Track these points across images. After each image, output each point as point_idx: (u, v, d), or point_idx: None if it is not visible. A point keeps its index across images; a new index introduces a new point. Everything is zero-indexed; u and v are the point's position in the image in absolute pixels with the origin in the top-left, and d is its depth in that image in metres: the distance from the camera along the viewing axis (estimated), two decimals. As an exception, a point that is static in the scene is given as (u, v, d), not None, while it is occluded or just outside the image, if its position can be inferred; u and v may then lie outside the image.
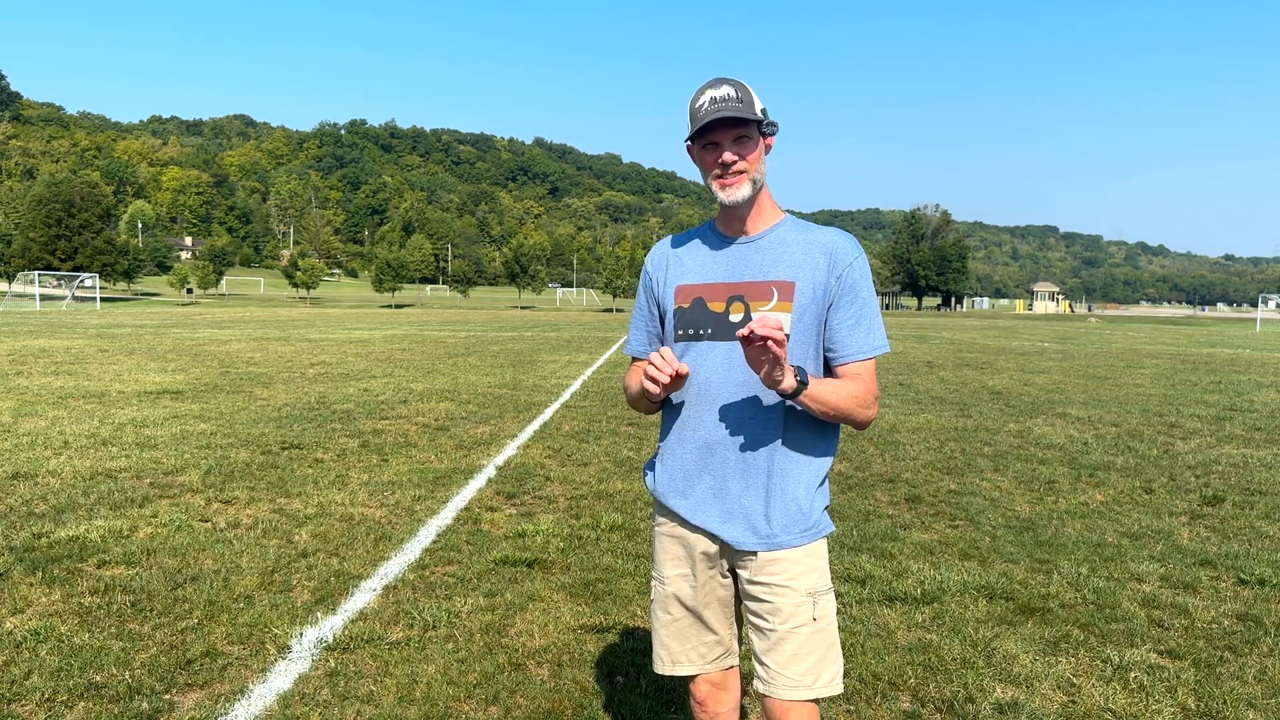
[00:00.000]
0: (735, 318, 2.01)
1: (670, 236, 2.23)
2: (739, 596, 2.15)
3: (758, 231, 2.06)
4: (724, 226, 2.10)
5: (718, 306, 2.04)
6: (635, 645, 3.60)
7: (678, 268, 2.13)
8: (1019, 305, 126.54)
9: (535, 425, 9.08)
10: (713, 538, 2.07)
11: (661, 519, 2.18)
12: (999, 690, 3.24)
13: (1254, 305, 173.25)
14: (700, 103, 1.97)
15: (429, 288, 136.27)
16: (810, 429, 2.03)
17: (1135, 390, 13.72)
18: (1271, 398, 13.04)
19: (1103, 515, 5.81)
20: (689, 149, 2.06)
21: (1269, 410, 11.50)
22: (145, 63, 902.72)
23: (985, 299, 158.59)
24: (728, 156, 1.96)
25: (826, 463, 2.07)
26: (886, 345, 2.06)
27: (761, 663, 2.03)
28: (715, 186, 2.00)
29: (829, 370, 2.07)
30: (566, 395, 11.70)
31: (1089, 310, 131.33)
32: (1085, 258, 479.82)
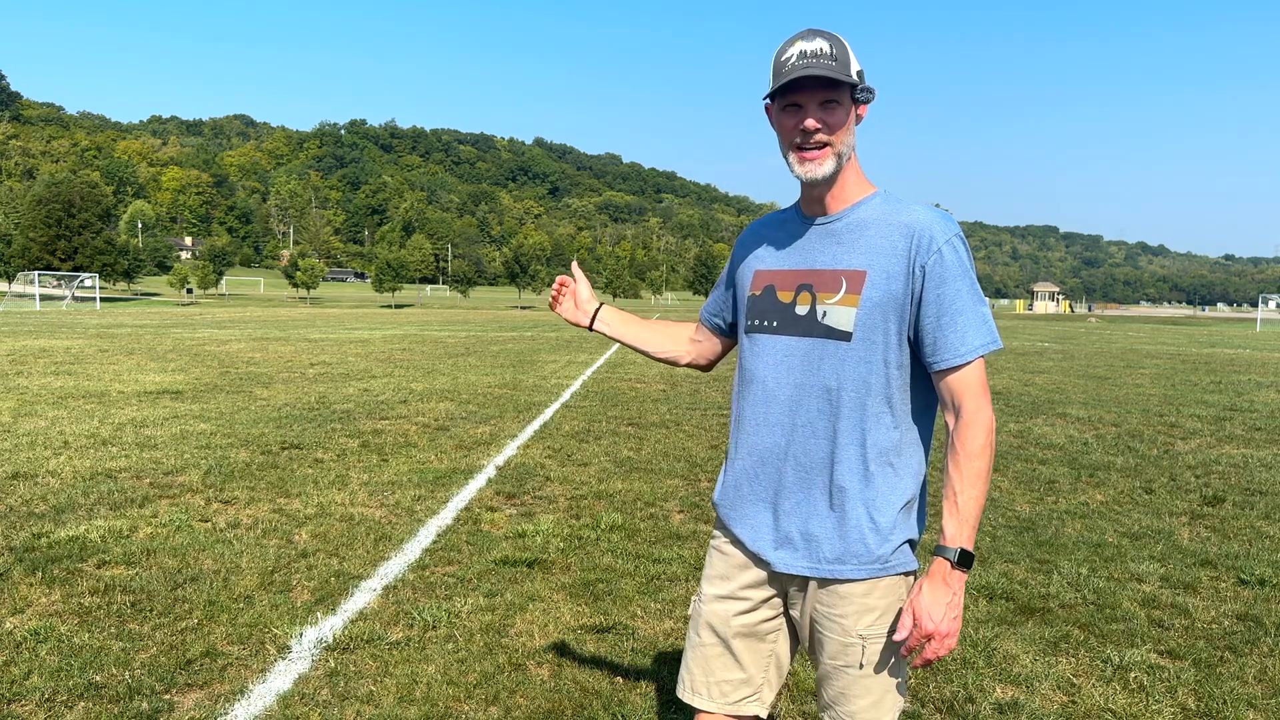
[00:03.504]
0: (801, 310, 1.77)
1: (770, 214, 1.97)
2: (794, 634, 1.90)
3: (838, 211, 1.78)
4: (804, 206, 1.83)
5: (786, 296, 1.80)
6: (635, 645, 3.60)
7: (761, 250, 1.90)
8: (1019, 305, 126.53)
9: (535, 425, 9.08)
10: (761, 561, 1.83)
11: (716, 531, 1.96)
12: (999, 690, 3.24)
13: (1254, 305, 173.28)
14: (787, 55, 1.68)
15: (429, 288, 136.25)
16: (885, 440, 1.74)
17: (1135, 390, 13.72)
18: (1271, 398, 13.04)
19: (1103, 515, 5.81)
20: (766, 108, 1.79)
21: (1269, 410, 11.50)
22: (145, 63, 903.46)
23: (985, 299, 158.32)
24: (810, 123, 1.68)
25: (909, 484, 1.77)
26: (989, 343, 1.70)
27: (817, 691, 1.87)
28: (793, 159, 1.72)
29: (925, 379, 1.78)
30: (566, 395, 11.70)
31: (1089, 310, 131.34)
32: (1085, 258, 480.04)
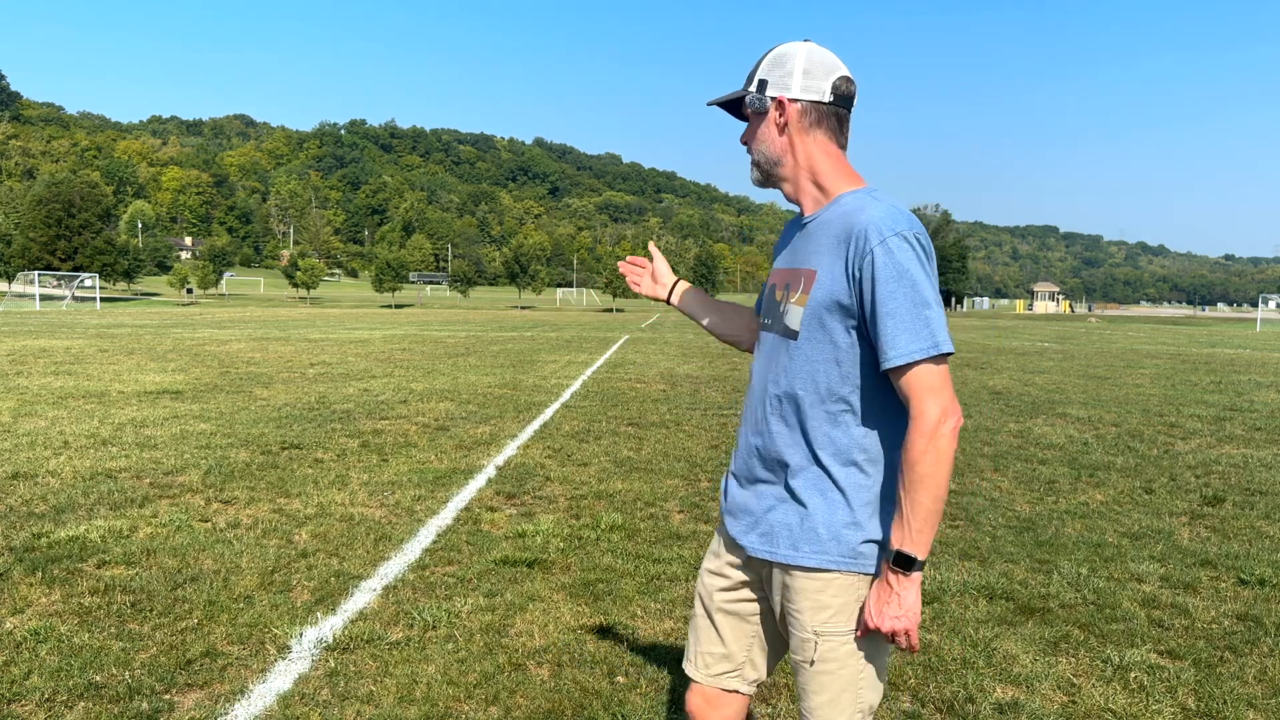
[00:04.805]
0: (782, 307, 1.86)
1: None
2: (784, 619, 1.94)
3: (813, 211, 1.86)
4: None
5: (779, 294, 1.89)
6: (635, 645, 3.60)
7: (779, 248, 2.00)
8: (1019, 305, 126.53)
9: (535, 425, 9.08)
10: (738, 547, 1.93)
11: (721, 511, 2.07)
12: (999, 690, 3.24)
13: (1254, 305, 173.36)
14: None
15: (429, 287, 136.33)
16: (846, 439, 1.76)
17: (1135, 390, 13.72)
18: (1271, 398, 13.04)
19: (1103, 515, 5.81)
20: None
21: (1269, 410, 11.50)
22: (145, 63, 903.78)
23: (985, 299, 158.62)
24: (742, 140, 1.90)
25: (876, 484, 1.76)
26: (926, 348, 1.65)
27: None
28: None
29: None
30: (566, 395, 11.70)
31: (1089, 310, 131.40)
32: (1085, 258, 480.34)
